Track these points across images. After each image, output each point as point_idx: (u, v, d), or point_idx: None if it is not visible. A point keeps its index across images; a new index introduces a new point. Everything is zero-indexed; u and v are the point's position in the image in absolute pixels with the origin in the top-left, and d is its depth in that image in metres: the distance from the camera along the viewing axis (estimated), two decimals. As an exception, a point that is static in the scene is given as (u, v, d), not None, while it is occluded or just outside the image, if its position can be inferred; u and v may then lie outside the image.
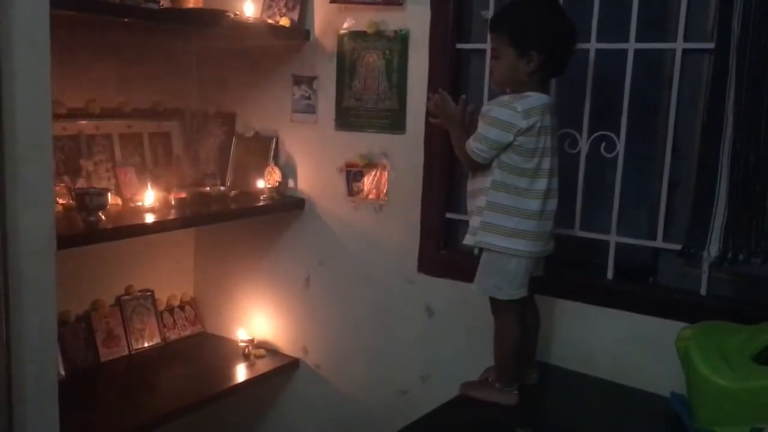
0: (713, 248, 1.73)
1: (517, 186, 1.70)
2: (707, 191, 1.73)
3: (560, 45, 1.72)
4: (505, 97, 1.72)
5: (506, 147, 1.69)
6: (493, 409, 1.76)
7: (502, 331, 1.79)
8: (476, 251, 2.18)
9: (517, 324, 1.77)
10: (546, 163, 1.71)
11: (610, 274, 2.00)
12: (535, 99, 1.69)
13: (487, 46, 2.12)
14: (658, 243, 1.92)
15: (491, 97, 2.12)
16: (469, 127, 1.76)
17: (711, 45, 1.75)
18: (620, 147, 1.94)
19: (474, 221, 1.77)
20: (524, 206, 1.71)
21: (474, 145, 1.71)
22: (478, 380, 1.89)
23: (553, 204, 1.75)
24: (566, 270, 1.99)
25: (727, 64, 1.68)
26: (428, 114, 1.80)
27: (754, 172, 1.67)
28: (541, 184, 1.71)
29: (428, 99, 1.84)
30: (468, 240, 1.79)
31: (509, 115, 1.67)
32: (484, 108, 1.74)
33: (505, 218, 1.71)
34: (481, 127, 1.71)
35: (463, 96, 1.81)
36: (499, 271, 1.74)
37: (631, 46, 1.91)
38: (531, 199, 1.71)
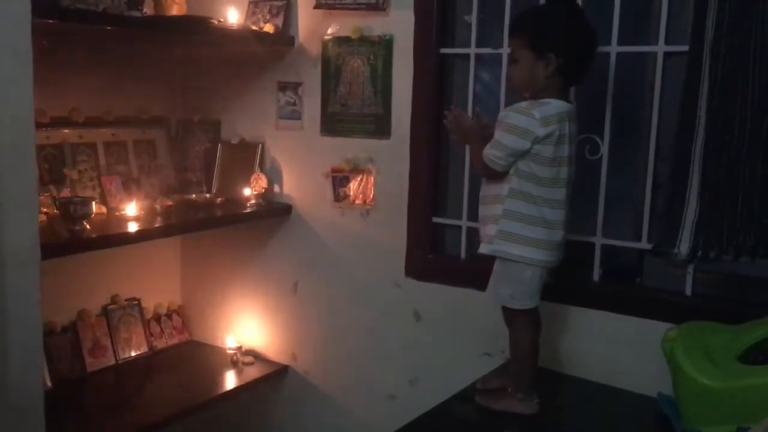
0: (684, 246, 1.75)
1: (534, 194, 1.67)
2: (679, 190, 1.75)
3: (578, 49, 1.68)
4: (523, 104, 1.67)
5: (523, 154, 1.65)
6: (482, 411, 1.77)
7: (517, 340, 1.78)
8: (463, 255, 2.21)
9: (532, 332, 1.76)
10: (564, 173, 1.67)
11: (596, 276, 2.01)
12: (554, 106, 1.64)
13: (472, 50, 2.14)
14: (643, 244, 1.93)
15: (477, 101, 2.15)
16: (488, 140, 1.71)
17: (691, 48, 1.78)
18: (604, 149, 1.95)
19: (489, 229, 1.73)
20: (542, 215, 1.67)
21: (491, 153, 1.67)
22: (495, 391, 1.82)
23: (568, 213, 1.72)
24: (553, 272, 2.00)
25: (700, 66, 1.70)
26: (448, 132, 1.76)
27: (726, 172, 1.70)
28: (560, 194, 1.68)
29: (444, 117, 1.81)
30: (483, 249, 1.76)
31: (527, 122, 1.63)
32: (501, 114, 1.71)
33: (523, 227, 1.68)
34: (498, 134, 1.66)
35: (476, 108, 1.77)
36: (515, 281, 1.72)
37: (614, 49, 1.92)
38: (549, 208, 1.68)
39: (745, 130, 1.68)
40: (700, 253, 1.74)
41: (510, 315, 1.78)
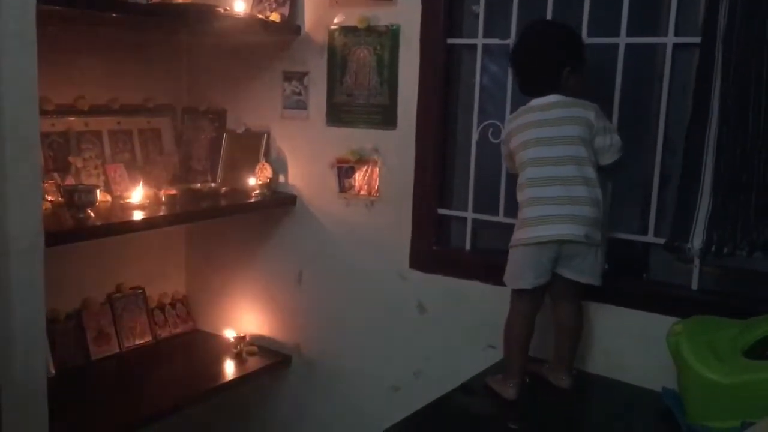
0: (697, 241, 1.73)
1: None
2: (692, 184, 1.74)
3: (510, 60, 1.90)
4: None
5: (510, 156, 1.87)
6: (486, 403, 1.76)
7: (507, 320, 1.83)
8: (468, 247, 2.20)
9: (521, 317, 1.80)
10: (529, 154, 1.77)
11: (601, 270, 2.00)
12: (522, 108, 1.84)
13: (479, 41, 2.13)
14: (649, 238, 1.92)
15: (483, 91, 2.14)
16: None
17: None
18: (612, 142, 1.93)
19: None
20: (517, 198, 1.80)
21: None
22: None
23: (552, 191, 1.72)
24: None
25: (713, 57, 1.69)
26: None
27: (740, 165, 1.68)
28: (532, 173, 1.76)
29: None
30: None
31: None
32: None
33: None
34: None
35: None
36: (509, 261, 1.82)
37: (622, 40, 1.90)
38: (519, 191, 1.79)
39: (759, 123, 1.65)
40: (713, 249, 1.72)
41: (511, 296, 1.84)
